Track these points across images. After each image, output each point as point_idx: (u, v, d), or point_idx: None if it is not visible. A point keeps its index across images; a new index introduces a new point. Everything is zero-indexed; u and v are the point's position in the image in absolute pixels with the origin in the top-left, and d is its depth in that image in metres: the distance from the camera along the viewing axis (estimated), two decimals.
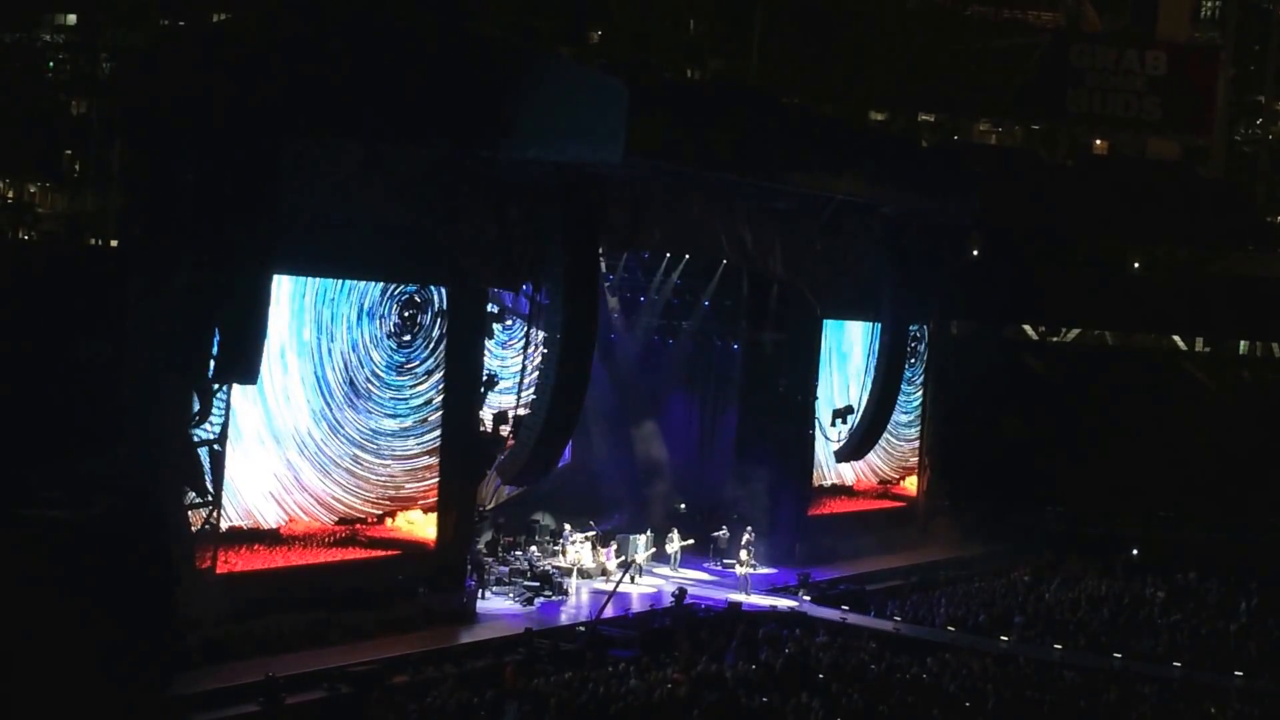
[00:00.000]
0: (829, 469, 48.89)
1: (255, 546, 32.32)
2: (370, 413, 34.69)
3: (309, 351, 33.32)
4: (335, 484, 34.17)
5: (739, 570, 42.33)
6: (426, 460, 35.88)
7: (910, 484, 52.89)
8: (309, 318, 33.24)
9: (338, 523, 34.17)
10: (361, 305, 34.25)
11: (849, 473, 49.89)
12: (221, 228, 29.79)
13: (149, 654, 28.16)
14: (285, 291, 32.05)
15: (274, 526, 32.80)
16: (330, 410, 33.89)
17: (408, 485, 35.64)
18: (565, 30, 56.36)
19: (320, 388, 33.65)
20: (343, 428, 34.21)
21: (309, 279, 33.00)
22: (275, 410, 32.77)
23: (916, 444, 52.98)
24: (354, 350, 34.22)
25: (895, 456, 52.04)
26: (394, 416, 35.24)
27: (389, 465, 35.25)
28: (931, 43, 61.74)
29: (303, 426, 33.44)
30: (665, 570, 42.79)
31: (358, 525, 34.53)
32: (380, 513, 35.07)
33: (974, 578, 45.69)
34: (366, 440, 34.75)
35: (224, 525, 31.47)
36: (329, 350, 33.71)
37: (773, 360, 47.74)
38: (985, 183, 51.99)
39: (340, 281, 33.74)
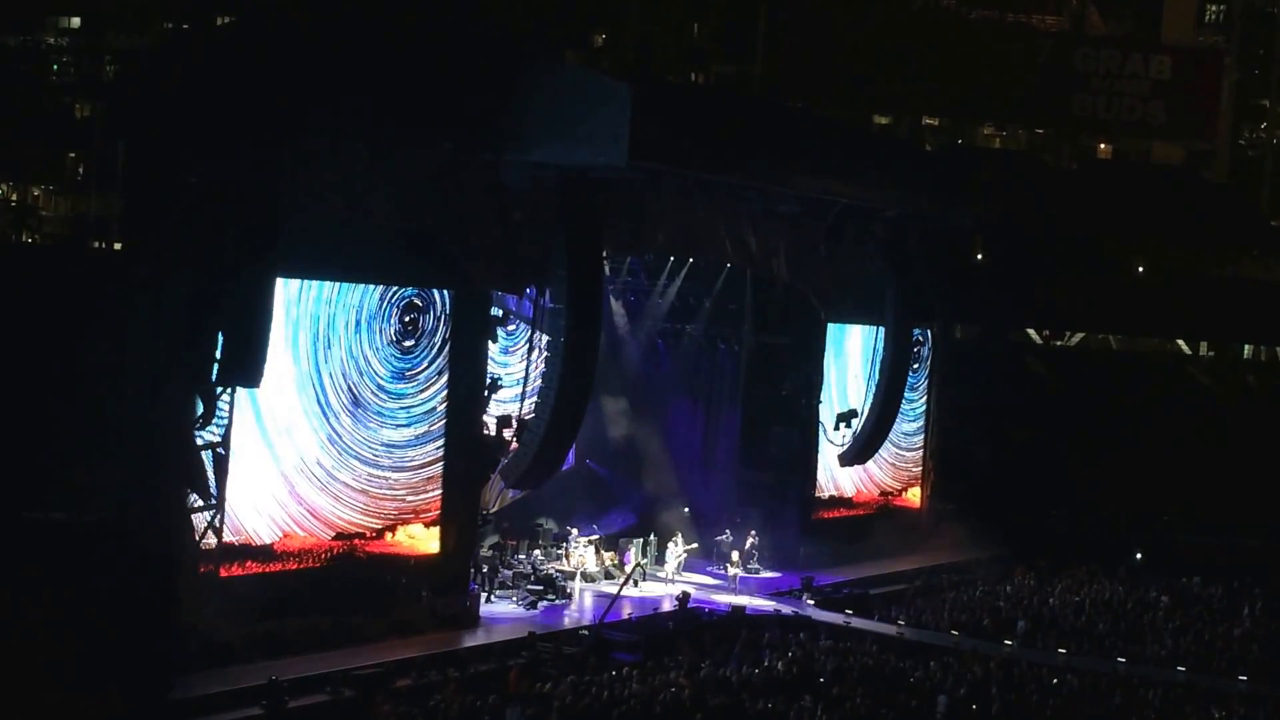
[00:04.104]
0: (829, 482, 48.83)
1: (248, 563, 32.08)
2: (377, 425, 34.55)
3: (307, 376, 33.07)
4: (341, 504, 34.09)
5: (729, 570, 42.38)
6: (430, 470, 35.77)
7: (913, 495, 52.79)
8: (305, 333, 32.95)
9: (335, 538, 33.97)
10: (359, 317, 34.02)
11: (849, 485, 49.81)
12: (224, 230, 29.76)
13: (151, 657, 28.16)
14: (280, 310, 31.45)
15: (268, 543, 32.58)
16: (338, 435, 33.74)
17: (410, 497, 35.49)
18: (570, 34, 56.39)
19: (324, 412, 33.45)
20: (353, 449, 34.05)
21: (304, 292, 32.79)
22: (278, 442, 32.61)
23: (921, 452, 52.92)
24: (354, 364, 34.00)
25: (899, 466, 51.99)
26: (403, 426, 35.11)
27: (397, 477, 35.13)
28: (936, 47, 61.78)
29: (310, 456, 33.27)
30: (662, 573, 42.70)
31: (356, 540, 34.34)
32: (380, 526, 34.95)
33: (978, 582, 45.65)
34: (378, 456, 34.65)
35: (211, 544, 31.19)
36: (328, 371, 33.44)
37: (776, 363, 47.70)
38: (989, 187, 52.01)
39: (337, 293, 33.47)
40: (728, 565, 42.63)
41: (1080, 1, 67.78)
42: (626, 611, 38.17)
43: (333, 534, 33.86)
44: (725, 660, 33.33)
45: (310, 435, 33.25)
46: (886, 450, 50.06)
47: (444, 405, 35.83)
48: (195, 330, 29.96)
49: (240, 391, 30.99)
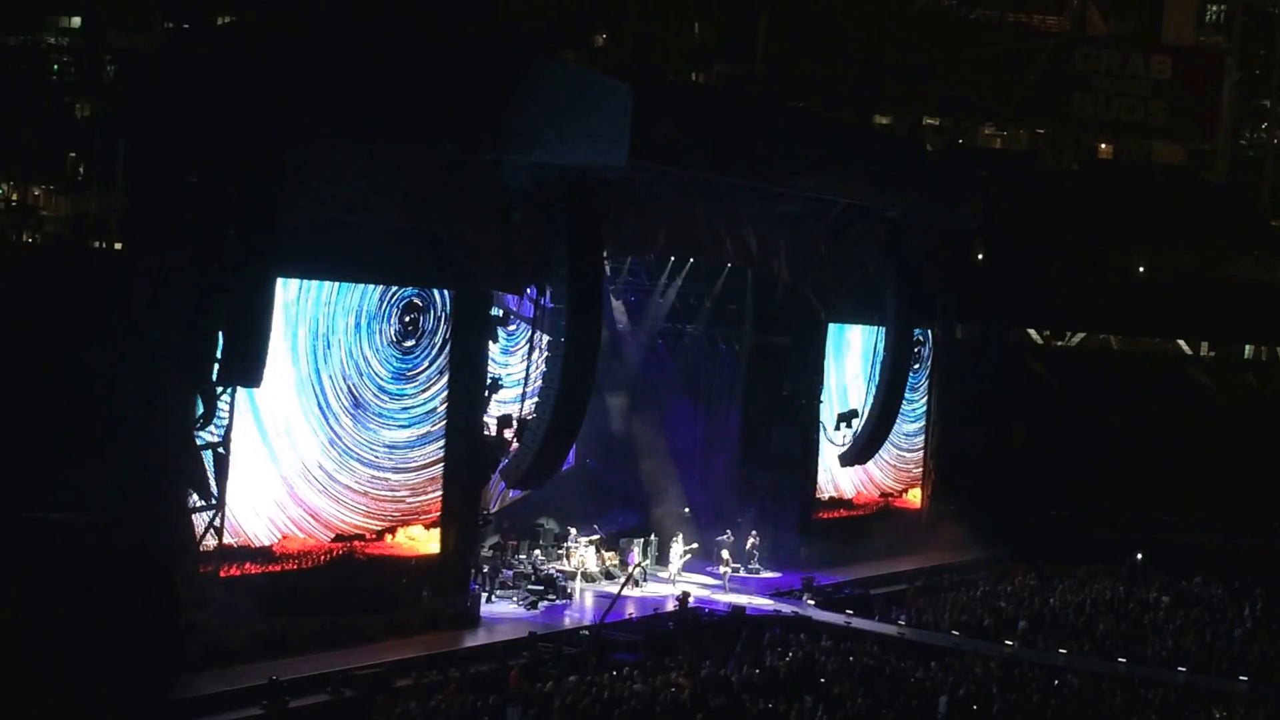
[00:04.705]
0: (828, 483, 48.79)
1: (246, 565, 31.98)
2: (377, 427, 34.47)
3: (307, 379, 32.98)
4: (342, 506, 34.03)
5: (721, 569, 42.30)
6: (431, 471, 35.71)
7: (914, 496, 52.75)
8: (304, 335, 32.82)
9: (334, 540, 33.85)
10: (359, 319, 33.89)
11: (848, 486, 49.79)
12: (225, 230, 29.75)
13: (151, 657, 28.12)
14: (279, 312, 31.24)
15: (267, 545, 32.48)
16: (338, 437, 33.66)
17: (410, 499, 35.42)
18: (570, 34, 56.32)
19: (324, 414, 33.34)
20: (354, 450, 33.97)
21: (303, 293, 32.68)
22: (277, 444, 32.51)
23: (921, 453, 52.89)
24: (354, 365, 33.88)
25: (900, 467, 51.95)
26: (404, 427, 35.06)
27: (398, 478, 35.04)
28: (936, 47, 61.73)
29: (311, 459, 33.18)
30: (666, 574, 42.69)
31: (355, 543, 34.25)
32: (381, 528, 34.85)
33: (978, 582, 45.66)
34: (379, 457, 34.58)
35: (212, 544, 31.12)
36: (328, 373, 33.34)
37: (777, 363, 47.70)
38: (990, 187, 51.94)
39: (336, 294, 33.32)
40: (719, 565, 42.58)
41: (1081, 1, 67.69)
42: (630, 612, 38.19)
43: (332, 536, 33.78)
44: (726, 660, 33.30)
45: (311, 437, 33.19)
46: (887, 451, 50.07)
47: (444, 406, 35.79)
48: (195, 330, 29.93)
49: (239, 395, 30.95)
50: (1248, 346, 63.34)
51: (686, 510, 45.37)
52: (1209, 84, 65.07)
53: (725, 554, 42.73)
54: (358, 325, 33.95)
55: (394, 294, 34.64)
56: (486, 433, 36.67)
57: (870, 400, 47.43)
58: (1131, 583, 46.05)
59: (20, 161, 41.98)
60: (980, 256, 59.04)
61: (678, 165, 36.78)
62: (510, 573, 39.45)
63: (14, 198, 44.42)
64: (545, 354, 36.23)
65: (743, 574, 43.90)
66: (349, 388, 33.85)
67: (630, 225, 38.88)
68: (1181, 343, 62.26)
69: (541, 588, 38.73)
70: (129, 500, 29.88)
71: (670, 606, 39.00)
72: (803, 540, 46.75)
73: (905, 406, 49.40)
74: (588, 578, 40.86)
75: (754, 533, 45.22)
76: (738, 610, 38.86)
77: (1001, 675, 33.34)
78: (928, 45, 61.65)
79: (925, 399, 52.87)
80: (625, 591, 39.07)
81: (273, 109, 30.04)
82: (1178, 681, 34.57)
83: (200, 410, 30.24)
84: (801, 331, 47.54)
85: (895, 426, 49.05)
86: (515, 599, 38.25)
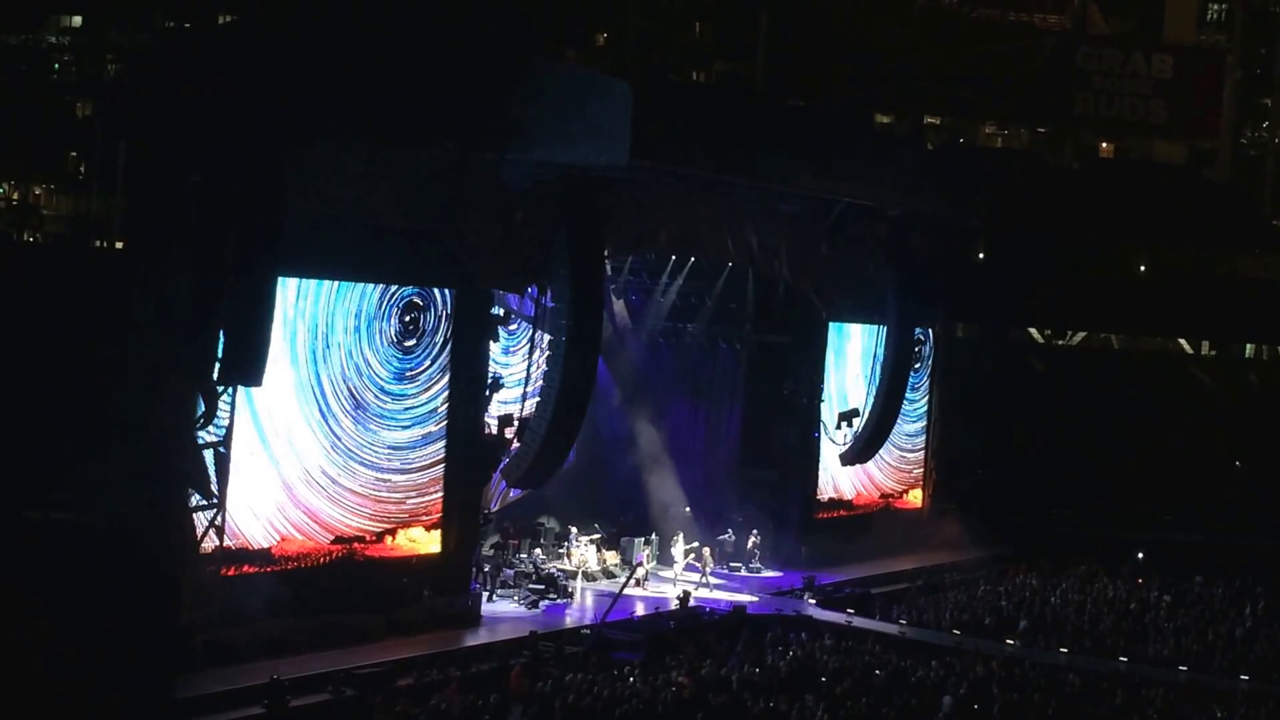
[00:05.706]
0: (828, 484, 48.75)
1: (244, 567, 31.89)
2: (379, 428, 34.41)
3: (306, 381, 32.91)
4: (344, 509, 33.99)
5: (700, 564, 42.19)
6: (433, 472, 35.69)
7: (914, 497, 52.71)
8: (303, 337, 32.77)
9: (334, 542, 33.75)
10: (359, 319, 33.82)
11: (848, 487, 49.75)
12: (226, 229, 29.73)
13: (153, 656, 28.13)
14: (277, 314, 30.94)
15: (265, 547, 32.39)
16: (339, 440, 33.61)
17: (412, 500, 35.36)
18: (571, 33, 56.28)
19: (324, 417, 33.26)
20: (356, 453, 33.92)
21: (301, 294, 32.62)
22: (277, 447, 32.42)
23: (922, 453, 52.85)
24: (355, 366, 33.81)
25: (900, 468, 51.92)
26: (406, 427, 35.03)
27: (400, 479, 35.01)
28: (937, 45, 61.61)
29: (313, 463, 33.11)
30: (669, 574, 42.70)
31: (355, 544, 34.18)
32: (381, 530, 34.80)
33: (979, 581, 45.66)
34: (381, 459, 34.54)
35: (212, 544, 31.07)
36: (328, 375, 33.27)
37: (777, 363, 47.70)
38: (991, 186, 51.91)
39: (335, 294, 33.25)
40: (698, 561, 42.42)
41: (1081, 1, 67.65)
42: (639, 610, 38.18)
43: (331, 538, 33.71)
44: (727, 659, 33.30)
45: (312, 441, 33.11)
46: (888, 452, 50.08)
47: (445, 405, 35.76)
48: (196, 329, 29.90)
49: (239, 401, 30.92)
50: (1249, 346, 63.24)
51: (687, 510, 45.38)
52: (1210, 83, 64.94)
53: (706, 551, 42.59)
54: (357, 326, 33.88)
55: (394, 293, 34.60)
56: (487, 432, 36.68)
57: (871, 399, 47.42)
58: (1131, 583, 46.02)
59: (20, 161, 41.98)
60: (980, 256, 59.01)
61: (678, 164, 36.77)
62: (511, 572, 39.47)
63: (14, 197, 44.39)
64: (546, 353, 36.24)
65: (743, 573, 43.93)
66: (349, 389, 33.79)
67: (631, 224, 38.91)
68: (1183, 342, 62.19)
69: (542, 587, 38.74)
70: (129, 500, 29.85)
71: (672, 605, 39.02)
72: (803, 540, 46.72)
73: (906, 406, 49.42)
74: (589, 577, 40.87)
75: (754, 532, 45.22)
76: (739, 609, 38.86)
77: (1002, 674, 33.33)
78: (928, 45, 61.55)
79: (925, 399, 52.86)
80: (626, 591, 39.09)
81: (273, 108, 30.03)
82: (1179, 681, 34.57)
83: (201, 410, 30.23)
84: (802, 331, 47.55)
85: (896, 426, 49.03)
86: (516, 598, 38.26)
